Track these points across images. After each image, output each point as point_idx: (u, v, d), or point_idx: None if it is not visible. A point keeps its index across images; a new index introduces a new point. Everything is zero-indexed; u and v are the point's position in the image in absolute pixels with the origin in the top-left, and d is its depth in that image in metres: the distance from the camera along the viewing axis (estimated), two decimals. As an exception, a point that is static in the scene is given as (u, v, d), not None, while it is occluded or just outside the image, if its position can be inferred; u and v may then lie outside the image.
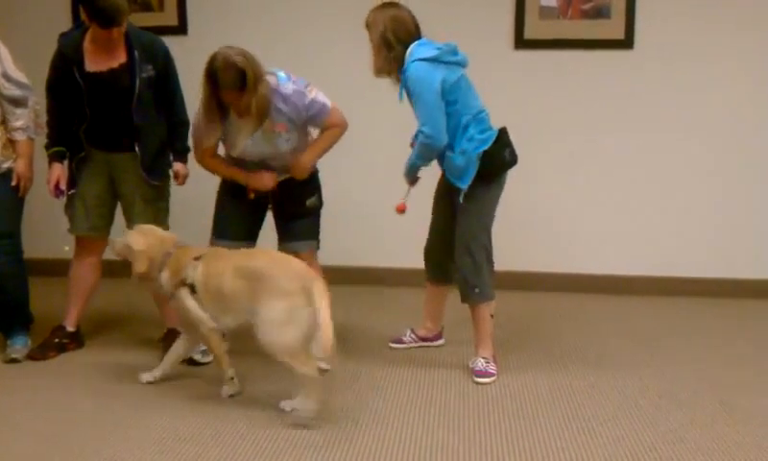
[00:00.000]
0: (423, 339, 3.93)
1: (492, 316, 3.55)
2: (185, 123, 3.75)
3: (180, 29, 4.90)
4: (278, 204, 3.64)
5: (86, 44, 3.58)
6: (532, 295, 4.75)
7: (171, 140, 3.76)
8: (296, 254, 3.59)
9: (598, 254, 4.80)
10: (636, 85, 4.62)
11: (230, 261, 3.20)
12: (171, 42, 3.80)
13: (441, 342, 3.94)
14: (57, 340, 3.82)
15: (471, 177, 3.41)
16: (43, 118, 3.72)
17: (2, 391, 3.41)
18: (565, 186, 4.77)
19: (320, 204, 3.73)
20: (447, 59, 3.42)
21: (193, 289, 3.23)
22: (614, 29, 4.57)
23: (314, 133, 3.64)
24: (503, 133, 3.50)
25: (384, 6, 3.56)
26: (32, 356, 3.75)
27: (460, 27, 4.50)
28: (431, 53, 3.39)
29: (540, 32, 4.62)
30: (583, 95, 4.68)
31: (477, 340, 3.56)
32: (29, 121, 3.69)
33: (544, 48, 4.64)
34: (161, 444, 2.91)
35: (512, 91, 4.65)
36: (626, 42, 4.58)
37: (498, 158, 3.45)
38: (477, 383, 3.45)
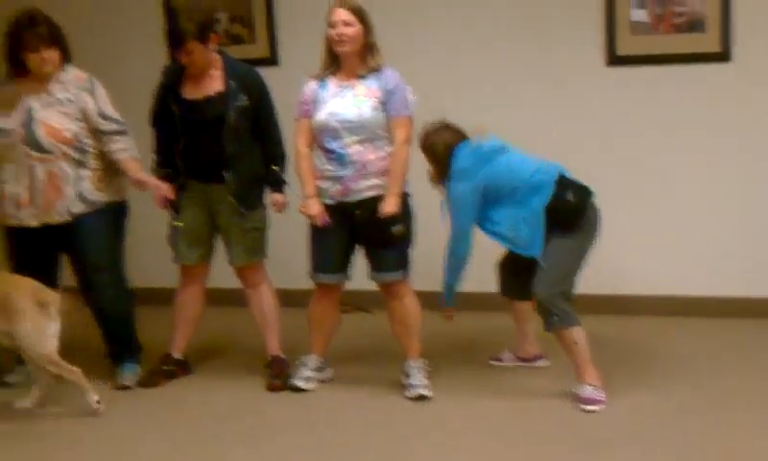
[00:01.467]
0: (523, 360, 3.91)
1: (575, 343, 3.45)
2: (281, 154, 3.84)
3: (272, 60, 5.01)
4: (363, 232, 3.63)
5: (186, 74, 3.73)
6: (631, 319, 4.62)
7: (266, 171, 3.85)
8: (384, 284, 3.64)
9: (702, 275, 4.64)
10: (735, 100, 4.50)
11: None
12: (263, 73, 3.90)
13: (542, 363, 3.91)
14: (165, 367, 3.94)
15: (541, 240, 3.43)
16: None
17: (116, 417, 3.55)
18: (661, 205, 4.67)
19: (408, 231, 3.63)
20: (486, 157, 3.53)
21: None
22: (710, 42, 4.47)
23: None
24: (558, 180, 3.49)
25: (435, 130, 3.67)
26: (142, 383, 3.89)
27: (551, 45, 4.48)
28: (466, 162, 3.51)
29: (633, 47, 4.56)
30: (678, 111, 4.58)
31: (576, 367, 3.49)
32: (129, 144, 3.81)
33: (637, 64, 4.57)
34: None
35: (605, 108, 4.59)
36: (723, 55, 4.47)
37: (562, 209, 3.45)
38: (585, 411, 3.38)
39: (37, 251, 3.83)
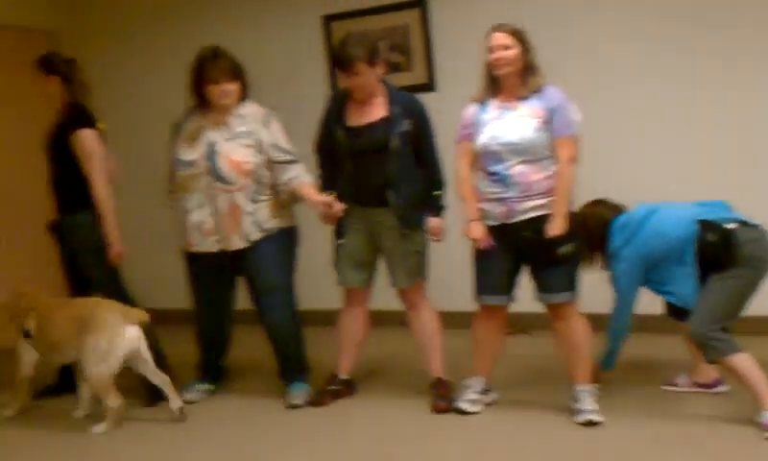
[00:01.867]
0: (701, 385, 3.76)
1: (740, 369, 3.30)
2: (441, 180, 3.88)
3: (429, 86, 5.09)
4: (529, 253, 3.59)
5: (351, 102, 3.85)
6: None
7: (426, 197, 3.90)
8: (551, 306, 3.59)
9: None
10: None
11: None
12: (421, 99, 3.96)
13: (722, 388, 3.73)
14: (332, 387, 4.04)
15: (694, 292, 3.40)
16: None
17: (283, 435, 3.68)
18: None
19: (575, 251, 3.56)
20: (634, 230, 3.52)
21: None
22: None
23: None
24: (700, 225, 3.43)
25: (589, 208, 3.69)
26: (311, 402, 4.00)
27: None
28: (618, 240, 3.56)
29: None
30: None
31: (752, 393, 3.31)
32: (301, 171, 3.95)
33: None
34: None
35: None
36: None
37: (709, 252, 3.39)
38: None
39: (216, 275, 4.06)
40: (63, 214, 4.17)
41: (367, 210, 3.86)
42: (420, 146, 3.84)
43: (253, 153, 3.89)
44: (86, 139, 4.05)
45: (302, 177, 3.95)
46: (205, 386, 4.25)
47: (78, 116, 4.10)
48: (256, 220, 3.91)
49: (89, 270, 4.17)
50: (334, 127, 3.85)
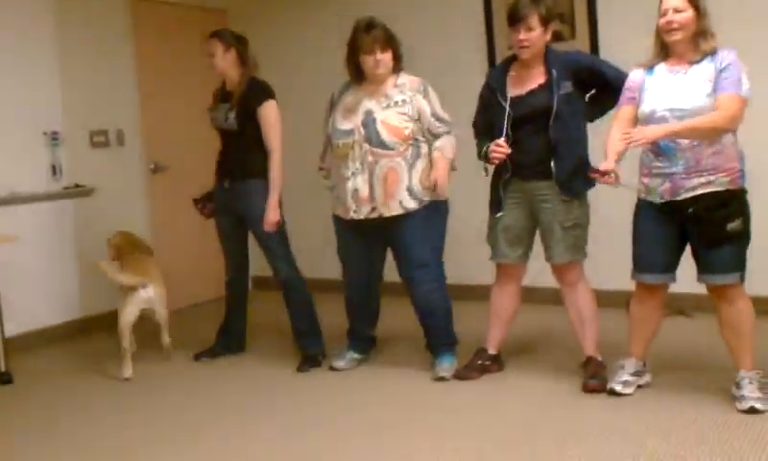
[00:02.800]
0: None
1: None
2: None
3: (593, 52, 4.90)
4: (695, 230, 3.35)
5: (511, 73, 3.78)
6: None
7: (588, 165, 3.74)
8: (715, 288, 3.35)
9: None
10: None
11: None
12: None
13: None
14: (480, 362, 3.99)
15: None
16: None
17: (429, 407, 3.66)
18: None
19: (745, 229, 3.31)
20: None
21: None
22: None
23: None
24: None
25: None
26: (457, 376, 3.97)
27: None
28: None
29: None
30: None
31: None
32: (446, 142, 3.94)
33: None
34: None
35: None
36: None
37: None
38: None
39: (367, 244, 4.11)
40: (239, 181, 4.36)
41: (527, 183, 3.77)
42: (594, 78, 3.70)
43: (411, 120, 3.90)
44: (273, 110, 4.27)
45: (445, 150, 3.93)
46: (355, 355, 4.31)
47: (264, 88, 4.32)
48: (411, 188, 3.92)
49: (262, 234, 4.33)
50: (494, 97, 3.78)
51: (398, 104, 3.93)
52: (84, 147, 5.48)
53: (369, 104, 3.96)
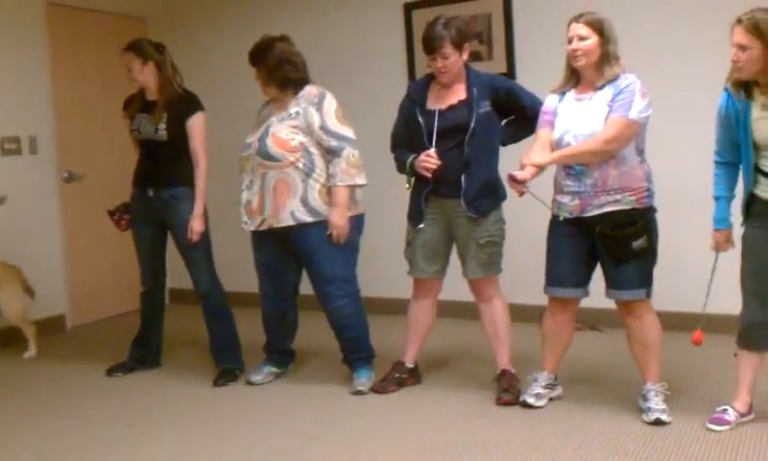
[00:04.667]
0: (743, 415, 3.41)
1: None
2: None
3: (510, 76, 4.99)
4: (603, 247, 3.46)
5: (432, 87, 3.85)
6: None
7: (499, 185, 3.83)
8: (623, 303, 3.48)
9: None
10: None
11: None
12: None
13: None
14: (397, 375, 4.02)
15: None
16: (357, 166, 3.95)
17: (346, 420, 3.67)
18: None
19: (651, 247, 3.42)
20: None
21: None
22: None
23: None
24: None
25: None
26: (375, 389, 3.99)
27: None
28: None
29: None
30: None
31: None
32: (337, 169, 3.92)
33: None
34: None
35: None
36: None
37: None
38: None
39: (275, 257, 4.13)
40: (165, 189, 4.30)
41: (444, 201, 3.82)
42: (510, 102, 3.78)
43: (299, 132, 3.93)
44: (202, 122, 4.29)
45: (336, 179, 3.92)
46: (272, 368, 4.29)
47: (193, 100, 4.32)
48: (307, 201, 3.93)
49: (184, 243, 4.30)
50: (414, 111, 3.83)
51: (291, 116, 3.97)
52: (-7, 153, 5.32)
53: (271, 118, 4.02)
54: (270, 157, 3.93)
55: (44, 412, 3.99)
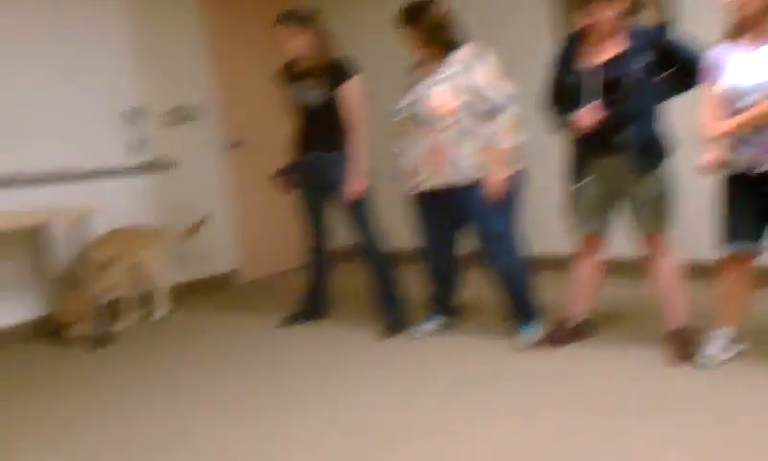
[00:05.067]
0: None
1: None
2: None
3: (671, 26, 4.74)
4: None
5: (586, 42, 3.70)
6: None
7: (665, 136, 3.68)
8: None
9: None
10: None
11: None
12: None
13: None
14: (562, 332, 3.98)
15: None
16: (517, 124, 3.91)
17: (514, 375, 3.65)
18: None
19: None
20: None
21: None
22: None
23: None
24: None
25: None
26: (540, 345, 3.96)
27: None
28: None
29: None
30: None
31: None
32: (497, 128, 3.88)
33: None
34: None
35: None
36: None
37: None
38: None
39: (435, 214, 4.15)
40: (323, 153, 4.44)
41: (606, 156, 3.69)
42: (671, 54, 3.59)
43: (457, 94, 3.89)
44: (358, 86, 4.37)
45: (495, 138, 3.88)
46: (437, 323, 4.34)
47: (348, 64, 4.39)
48: (467, 161, 3.91)
49: (345, 202, 4.41)
50: (566, 69, 3.72)
51: (449, 77, 3.92)
52: (162, 122, 5.61)
53: (424, 79, 4.00)
54: (430, 119, 3.92)
55: (220, 360, 4.23)
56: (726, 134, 3.28)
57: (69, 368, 4.33)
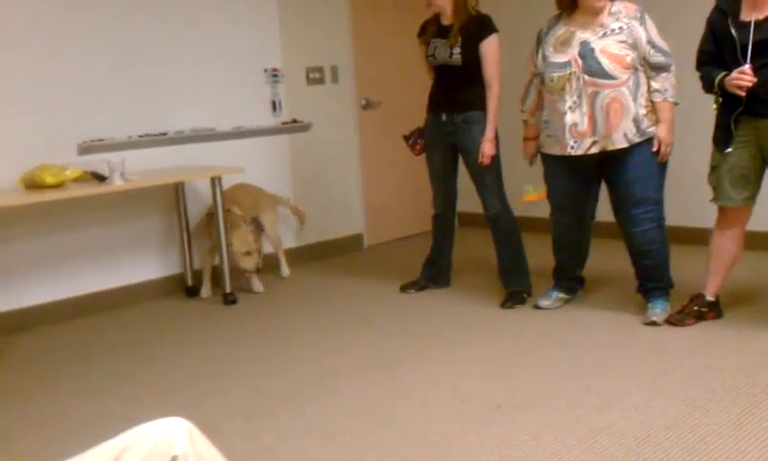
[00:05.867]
0: None
1: None
2: None
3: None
4: None
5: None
6: None
7: None
8: None
9: None
10: None
11: None
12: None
13: None
14: (696, 308, 3.81)
15: None
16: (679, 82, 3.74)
17: (641, 351, 3.53)
18: None
19: None
20: None
21: None
22: None
23: None
24: None
25: None
26: (670, 321, 3.81)
27: None
28: None
29: None
30: None
31: None
32: (667, 84, 3.74)
33: None
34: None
35: None
36: None
37: None
38: None
39: (579, 181, 4.00)
40: (458, 113, 4.37)
41: (759, 120, 3.49)
42: None
43: (629, 48, 3.73)
44: (496, 44, 4.30)
45: (667, 93, 3.74)
46: (561, 294, 4.24)
47: (487, 23, 4.32)
48: (638, 120, 3.75)
49: (475, 167, 4.37)
50: (725, 23, 3.51)
51: (615, 32, 3.75)
52: (300, 83, 5.70)
53: (583, 35, 3.80)
54: (604, 75, 3.74)
55: (341, 322, 4.29)
56: None
57: (202, 322, 4.52)
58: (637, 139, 3.76)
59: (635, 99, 3.74)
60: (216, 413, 3.16)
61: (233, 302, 4.76)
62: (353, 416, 3.08)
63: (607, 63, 3.72)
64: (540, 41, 3.98)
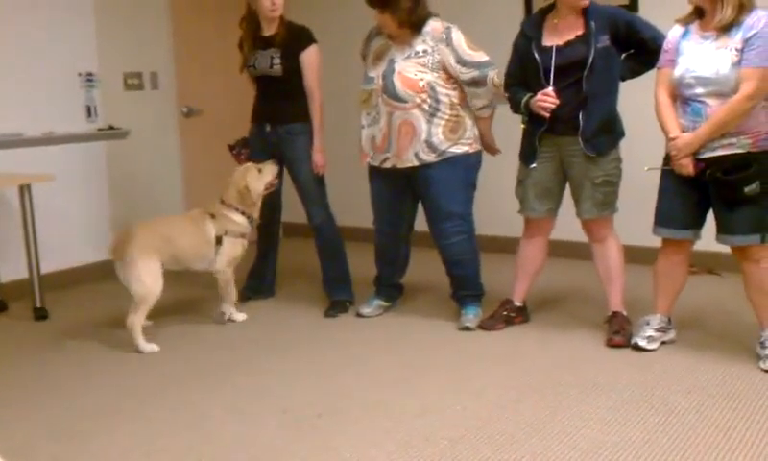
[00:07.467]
0: None
1: None
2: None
3: (631, 7, 4.81)
4: (714, 191, 3.34)
5: (547, 23, 3.73)
6: None
7: (617, 122, 3.75)
8: (738, 248, 3.36)
9: None
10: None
11: None
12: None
13: None
14: (505, 313, 4.03)
15: None
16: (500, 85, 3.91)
17: (456, 355, 3.71)
18: None
19: (765, 191, 3.24)
20: None
21: None
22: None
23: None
24: None
25: None
26: (482, 326, 4.01)
27: None
28: None
29: None
30: None
31: None
32: (491, 96, 3.94)
33: None
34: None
35: None
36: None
37: None
38: None
39: (394, 193, 4.13)
40: (282, 124, 4.39)
41: (559, 138, 3.73)
42: (631, 35, 3.63)
43: (429, 70, 3.88)
44: (316, 55, 4.34)
45: (489, 108, 3.98)
46: (382, 302, 4.37)
47: (306, 33, 4.35)
48: (431, 143, 3.91)
49: (302, 177, 4.41)
50: (529, 48, 3.73)
51: (419, 54, 3.90)
52: (118, 89, 5.53)
53: (394, 52, 3.96)
54: (397, 98, 3.90)
55: (162, 337, 4.20)
56: (685, 145, 3.32)
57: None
58: (432, 158, 3.92)
59: (429, 120, 3.89)
60: (25, 435, 3.02)
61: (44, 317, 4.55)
62: (171, 433, 3.03)
63: (400, 87, 3.88)
64: (365, 48, 4.13)
